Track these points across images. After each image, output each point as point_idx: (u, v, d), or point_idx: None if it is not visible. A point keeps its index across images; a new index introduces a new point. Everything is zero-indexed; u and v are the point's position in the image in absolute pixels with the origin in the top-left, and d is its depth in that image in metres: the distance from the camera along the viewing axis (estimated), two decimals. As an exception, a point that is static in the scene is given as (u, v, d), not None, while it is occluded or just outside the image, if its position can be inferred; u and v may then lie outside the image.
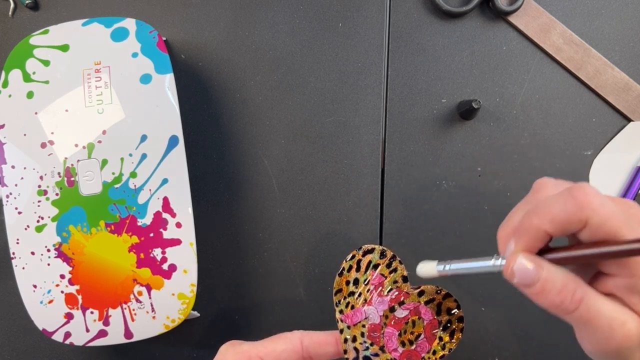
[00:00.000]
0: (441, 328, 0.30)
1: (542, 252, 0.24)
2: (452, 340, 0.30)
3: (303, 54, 0.47)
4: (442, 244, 0.46)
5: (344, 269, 0.30)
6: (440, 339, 0.30)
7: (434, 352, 0.30)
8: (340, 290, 0.30)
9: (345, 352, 0.30)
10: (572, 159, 0.46)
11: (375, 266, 0.30)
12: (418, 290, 0.30)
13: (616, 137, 0.46)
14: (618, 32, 0.46)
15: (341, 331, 0.30)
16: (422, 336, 0.30)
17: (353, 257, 0.31)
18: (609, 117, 0.46)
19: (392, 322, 0.30)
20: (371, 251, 0.31)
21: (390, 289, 0.30)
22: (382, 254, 0.30)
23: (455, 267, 0.27)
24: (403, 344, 0.30)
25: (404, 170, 0.46)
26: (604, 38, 0.46)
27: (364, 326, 0.30)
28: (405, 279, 0.31)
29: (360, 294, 0.30)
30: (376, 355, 0.30)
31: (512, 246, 0.25)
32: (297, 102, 0.46)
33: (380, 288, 0.30)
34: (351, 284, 0.30)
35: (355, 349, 0.30)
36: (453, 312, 0.30)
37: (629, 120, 0.46)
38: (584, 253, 0.23)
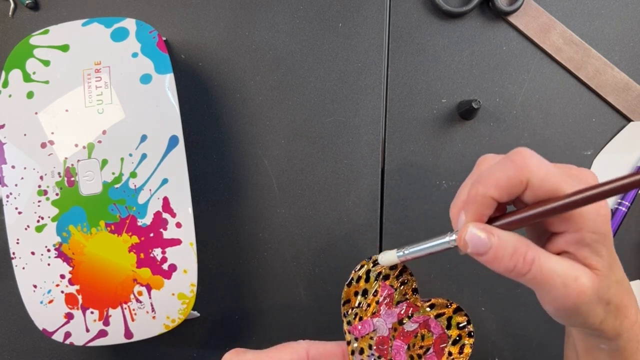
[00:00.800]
0: (450, 342, 0.29)
1: (492, 220, 0.25)
2: (461, 355, 0.29)
3: (303, 54, 0.47)
4: (442, 244, 0.46)
5: (352, 279, 0.30)
6: (450, 353, 0.29)
7: None
8: (348, 301, 0.30)
9: None
10: (572, 159, 0.46)
11: (386, 277, 0.30)
12: (428, 303, 0.30)
13: (616, 137, 0.46)
14: (618, 32, 0.46)
15: (348, 343, 0.29)
16: (431, 350, 0.29)
17: (362, 267, 0.30)
18: (609, 117, 0.46)
19: (401, 335, 0.29)
20: None
21: (400, 302, 0.30)
22: (393, 265, 0.30)
23: (413, 250, 0.27)
24: (411, 358, 0.29)
25: (404, 170, 0.46)
26: (604, 38, 0.46)
27: (372, 338, 0.29)
28: (415, 291, 0.30)
29: (369, 306, 0.30)
30: None
31: (463, 218, 0.25)
32: (297, 102, 0.46)
33: (390, 300, 0.30)
34: (360, 295, 0.30)
35: None
36: (463, 326, 0.29)
37: (629, 120, 0.46)
38: (529, 213, 0.24)
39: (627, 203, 0.45)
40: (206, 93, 0.47)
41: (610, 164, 0.46)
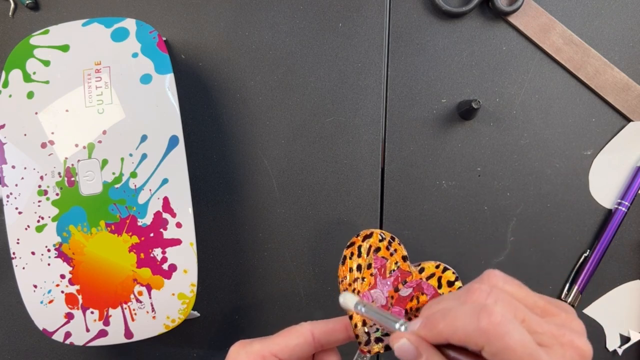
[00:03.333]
0: None
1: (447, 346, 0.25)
2: None
3: (303, 54, 0.47)
4: (442, 244, 0.46)
5: (345, 256, 0.31)
6: None
7: None
8: (345, 278, 0.31)
9: (356, 336, 0.30)
10: (572, 159, 0.46)
11: (377, 250, 0.31)
12: (419, 267, 0.31)
13: (616, 137, 0.46)
14: (618, 32, 0.46)
15: (350, 317, 0.30)
16: None
17: (353, 243, 0.31)
18: (609, 117, 0.46)
19: (398, 302, 0.31)
20: (370, 236, 0.31)
21: (393, 270, 0.31)
22: (381, 237, 0.31)
23: (368, 312, 0.28)
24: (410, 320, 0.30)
25: (404, 170, 0.46)
26: (604, 38, 0.46)
27: None
28: (405, 258, 0.32)
29: (364, 279, 0.31)
30: (387, 335, 0.30)
31: (416, 326, 0.25)
32: (297, 102, 0.46)
33: (383, 270, 0.31)
34: (355, 270, 0.31)
35: (367, 332, 0.30)
36: (452, 282, 0.31)
37: (628, 120, 0.46)
38: None
39: (627, 203, 0.45)
40: (206, 93, 0.47)
41: (610, 164, 0.46)
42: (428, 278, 0.31)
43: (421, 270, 0.31)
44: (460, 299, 0.25)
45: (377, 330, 0.30)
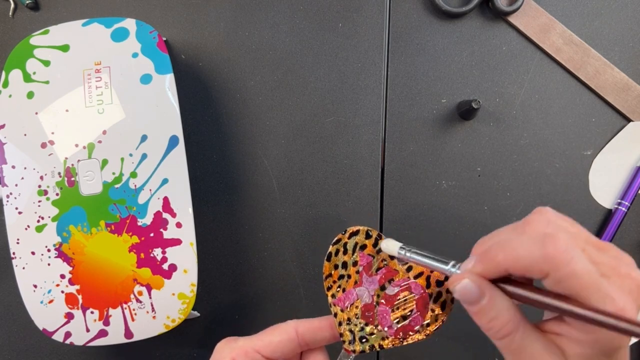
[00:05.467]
0: (432, 300, 0.30)
1: (503, 280, 0.25)
2: (444, 312, 0.30)
3: (303, 54, 0.47)
4: (442, 243, 0.46)
5: (331, 253, 0.31)
6: (432, 310, 0.30)
7: (427, 325, 0.30)
8: (330, 275, 0.31)
9: (341, 335, 0.30)
10: (571, 159, 0.46)
11: (363, 247, 0.31)
12: (406, 266, 0.31)
13: (616, 137, 0.46)
14: (618, 32, 0.46)
15: (335, 315, 0.30)
16: (415, 310, 0.30)
17: (339, 240, 0.31)
18: (609, 117, 0.46)
19: (384, 300, 0.30)
20: (357, 233, 0.31)
21: (379, 268, 0.31)
22: (368, 235, 0.31)
23: (414, 257, 0.28)
24: (397, 321, 0.30)
25: (404, 170, 0.46)
26: (604, 38, 0.46)
27: (357, 307, 0.30)
28: (392, 257, 0.31)
29: (349, 276, 0.31)
30: (372, 334, 0.30)
31: (470, 265, 0.25)
32: (297, 102, 0.46)
33: (369, 268, 0.31)
34: (340, 267, 0.31)
35: (351, 330, 0.30)
36: (441, 282, 0.30)
37: (628, 120, 0.46)
38: (537, 299, 0.23)
39: (627, 203, 0.45)
40: (206, 93, 0.47)
41: (610, 164, 0.46)
42: (416, 277, 0.31)
43: (409, 269, 0.31)
44: (517, 230, 0.25)
45: (362, 329, 0.30)
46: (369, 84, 0.46)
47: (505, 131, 0.46)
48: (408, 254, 0.29)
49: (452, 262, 0.27)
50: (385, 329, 0.30)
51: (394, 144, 0.46)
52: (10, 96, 0.38)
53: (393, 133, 0.46)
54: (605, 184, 0.46)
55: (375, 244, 0.31)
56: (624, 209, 0.45)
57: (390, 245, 0.30)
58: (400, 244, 0.29)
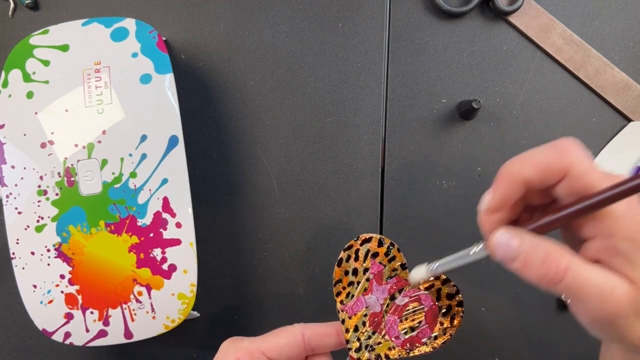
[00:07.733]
0: (441, 313, 0.30)
1: (524, 223, 0.24)
2: (453, 325, 0.30)
3: (303, 54, 0.47)
4: (442, 244, 0.46)
5: (342, 259, 0.31)
6: (441, 324, 0.30)
7: (435, 338, 0.30)
8: (340, 281, 0.30)
9: (347, 342, 0.30)
10: (572, 159, 0.46)
11: (374, 255, 0.31)
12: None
13: (616, 137, 0.46)
14: (618, 32, 0.46)
15: (342, 321, 0.30)
16: (424, 322, 0.30)
17: (351, 247, 0.31)
18: (609, 117, 0.46)
19: (393, 310, 0.30)
20: (369, 240, 0.31)
21: (390, 277, 0.30)
22: (380, 243, 0.31)
23: (443, 263, 0.27)
24: (405, 331, 0.30)
25: (404, 170, 0.46)
26: (604, 38, 0.46)
27: (365, 315, 0.30)
28: (403, 267, 0.31)
29: (359, 283, 0.30)
30: (379, 343, 0.30)
31: (487, 198, 0.25)
32: (297, 102, 0.46)
33: (380, 277, 0.30)
34: (350, 274, 0.30)
35: (358, 338, 0.30)
36: (452, 296, 0.30)
37: (629, 120, 0.46)
38: (562, 214, 0.22)
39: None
40: (206, 93, 0.47)
41: (610, 164, 0.46)
42: (427, 289, 0.30)
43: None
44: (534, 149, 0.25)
45: (370, 337, 0.30)
46: (369, 84, 0.46)
47: (505, 131, 0.46)
48: (435, 266, 0.28)
49: (474, 244, 0.26)
50: (393, 339, 0.30)
51: (394, 144, 0.46)
52: (9, 96, 0.38)
53: (393, 133, 0.46)
54: (605, 184, 0.46)
55: (387, 253, 0.30)
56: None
57: (418, 272, 0.29)
58: (424, 265, 0.29)
